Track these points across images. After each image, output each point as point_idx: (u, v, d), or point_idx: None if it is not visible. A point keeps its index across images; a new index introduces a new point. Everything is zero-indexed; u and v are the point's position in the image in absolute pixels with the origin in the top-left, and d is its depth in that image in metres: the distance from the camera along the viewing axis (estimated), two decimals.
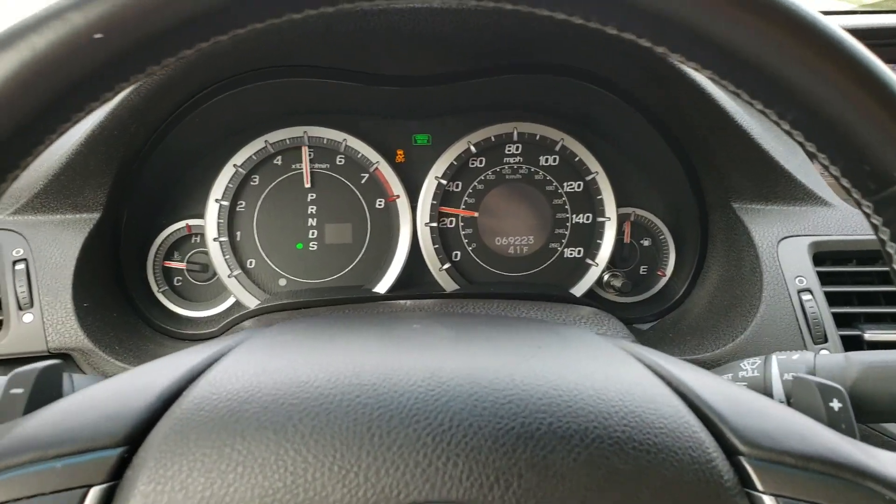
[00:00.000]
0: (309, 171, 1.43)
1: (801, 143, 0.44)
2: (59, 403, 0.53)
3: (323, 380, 0.51)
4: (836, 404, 0.60)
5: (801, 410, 0.58)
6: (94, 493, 0.45)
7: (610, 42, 1.15)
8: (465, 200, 1.46)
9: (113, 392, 0.54)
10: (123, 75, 0.43)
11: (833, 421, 0.60)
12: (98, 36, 0.40)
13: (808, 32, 0.40)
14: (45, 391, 0.69)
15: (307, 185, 1.43)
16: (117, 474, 0.46)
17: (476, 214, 1.46)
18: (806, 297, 1.17)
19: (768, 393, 0.81)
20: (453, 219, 1.46)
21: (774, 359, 0.83)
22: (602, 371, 0.55)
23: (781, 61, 0.41)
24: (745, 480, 0.46)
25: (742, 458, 0.47)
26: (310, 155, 1.43)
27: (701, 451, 0.46)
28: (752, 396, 0.56)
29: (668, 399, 0.52)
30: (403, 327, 0.72)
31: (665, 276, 1.49)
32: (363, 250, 1.46)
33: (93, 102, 0.43)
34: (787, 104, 0.43)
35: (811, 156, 0.45)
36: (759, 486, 0.45)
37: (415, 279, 1.47)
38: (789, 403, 0.80)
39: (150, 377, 0.55)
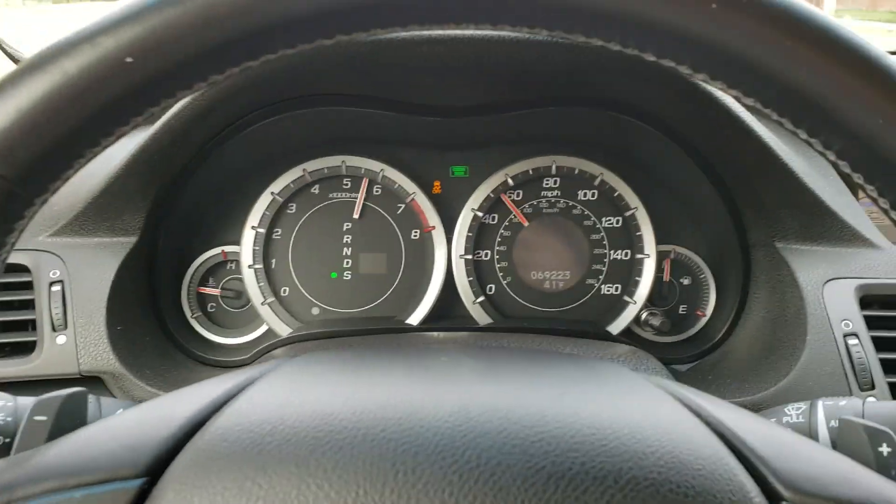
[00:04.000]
0: (362, 203, 1.43)
1: (848, 174, 0.42)
2: (80, 432, 0.52)
3: (347, 413, 0.49)
4: (885, 449, 0.57)
5: (848, 455, 0.55)
6: None
7: (656, 76, 1.13)
8: (502, 234, 1.45)
9: (135, 421, 0.53)
10: (152, 100, 0.43)
11: (882, 466, 0.57)
12: (129, 60, 0.40)
13: (857, 60, 0.39)
14: (70, 419, 0.69)
15: (356, 216, 1.44)
16: None
17: (524, 220, 1.44)
18: (852, 341, 1.13)
19: (814, 439, 0.77)
20: (488, 251, 1.45)
21: (820, 404, 0.79)
22: (637, 409, 0.53)
23: (830, 91, 0.39)
24: None
25: None
26: (346, 184, 1.43)
27: (742, 496, 0.44)
28: (795, 438, 0.53)
29: (707, 439, 0.49)
30: (432, 359, 0.70)
31: (705, 316, 1.45)
32: (397, 281, 1.45)
33: (122, 127, 0.44)
34: (834, 134, 0.41)
35: (860, 187, 0.42)
36: None
37: (448, 312, 1.45)
38: (835, 449, 0.76)
39: (173, 406, 0.54)
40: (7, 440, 0.74)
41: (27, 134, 0.41)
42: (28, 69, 0.41)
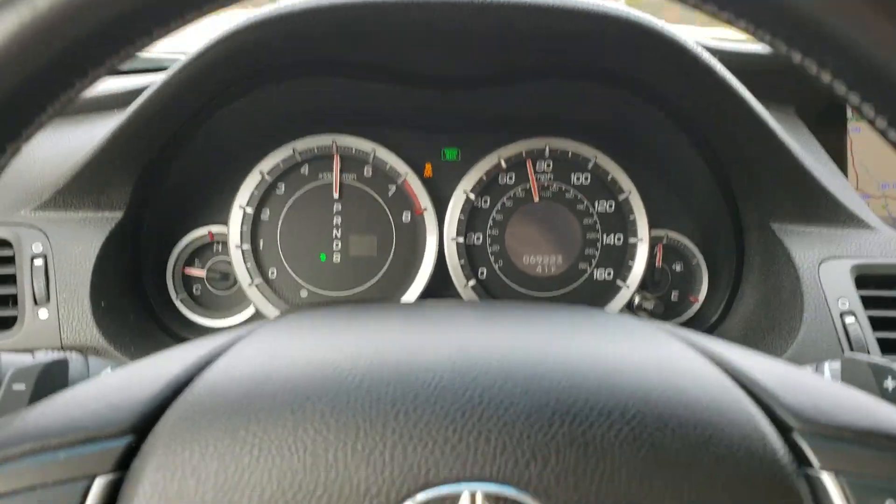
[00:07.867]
0: (338, 181, 1.41)
1: (843, 96, 0.41)
2: (63, 394, 0.51)
3: (342, 359, 0.48)
4: (890, 383, 0.56)
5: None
6: (98, 483, 0.42)
7: (655, 49, 1.12)
8: (494, 217, 1.43)
9: (119, 382, 0.52)
10: (131, 36, 0.41)
11: (888, 399, 0.56)
12: None
13: None
14: (49, 387, 0.68)
15: (336, 196, 1.41)
16: (124, 464, 0.44)
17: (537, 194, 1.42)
18: (849, 319, 1.12)
19: None
20: (480, 235, 1.43)
21: (827, 363, 0.80)
22: (641, 347, 0.53)
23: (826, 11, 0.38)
24: (800, 458, 0.43)
25: (796, 435, 0.44)
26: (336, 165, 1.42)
27: (752, 428, 0.43)
28: (803, 373, 0.53)
29: (713, 374, 0.49)
30: (429, 311, 0.70)
31: (698, 301, 1.43)
32: (387, 264, 1.43)
33: (98, 68, 0.41)
34: (829, 53, 0.40)
35: (855, 109, 0.41)
36: (815, 463, 0.42)
37: (439, 296, 1.43)
38: None
39: (158, 366, 0.53)
40: None
41: None
42: None
